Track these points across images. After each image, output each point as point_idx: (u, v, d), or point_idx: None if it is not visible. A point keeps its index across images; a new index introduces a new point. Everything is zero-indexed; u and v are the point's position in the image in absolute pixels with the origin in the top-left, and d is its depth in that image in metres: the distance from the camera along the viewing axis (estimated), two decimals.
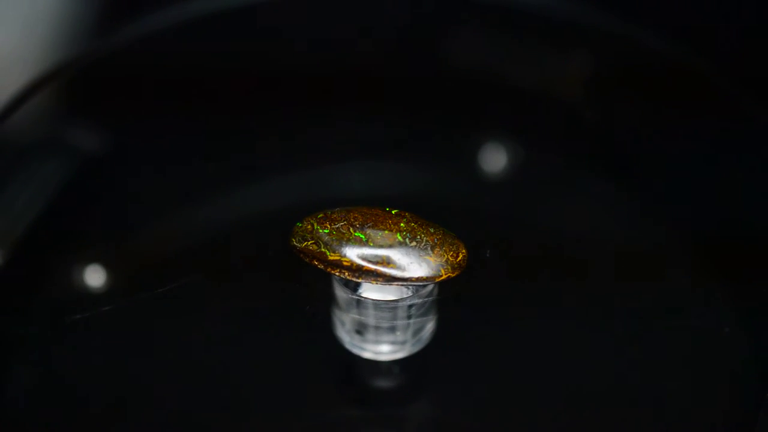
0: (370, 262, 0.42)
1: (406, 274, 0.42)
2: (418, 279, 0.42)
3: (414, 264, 0.42)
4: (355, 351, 0.46)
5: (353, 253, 0.42)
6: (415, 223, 0.42)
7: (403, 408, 0.46)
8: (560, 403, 0.45)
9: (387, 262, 0.42)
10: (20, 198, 0.50)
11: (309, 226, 0.42)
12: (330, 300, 0.45)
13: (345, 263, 0.42)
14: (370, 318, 0.44)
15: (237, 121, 0.54)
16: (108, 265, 0.49)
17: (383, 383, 0.46)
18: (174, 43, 0.55)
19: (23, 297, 0.47)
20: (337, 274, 0.42)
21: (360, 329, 0.45)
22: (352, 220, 0.42)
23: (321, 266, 0.42)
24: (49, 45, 0.59)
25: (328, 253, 0.42)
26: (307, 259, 0.43)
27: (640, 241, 0.50)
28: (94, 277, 0.49)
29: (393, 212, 0.43)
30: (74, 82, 0.54)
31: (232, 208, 0.51)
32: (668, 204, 0.51)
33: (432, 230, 0.43)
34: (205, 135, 0.54)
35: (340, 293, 0.44)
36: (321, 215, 0.43)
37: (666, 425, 0.44)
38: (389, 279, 0.42)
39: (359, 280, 0.42)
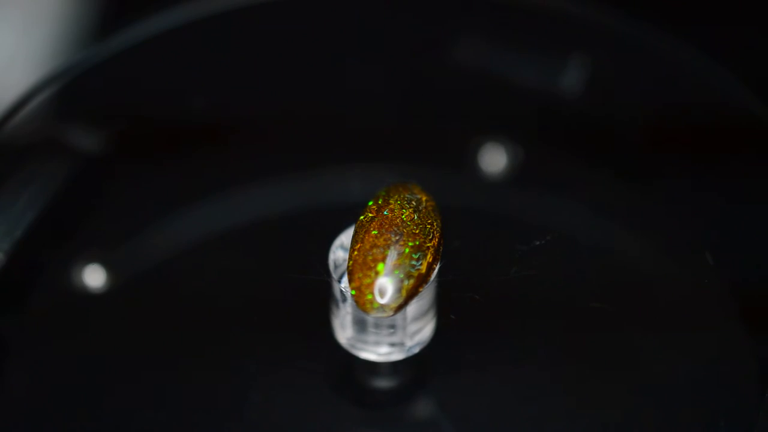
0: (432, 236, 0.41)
1: (438, 221, 0.42)
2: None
3: (431, 213, 0.42)
4: (418, 349, 0.44)
5: (418, 249, 0.41)
6: (397, 193, 0.42)
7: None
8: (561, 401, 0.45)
9: (435, 227, 0.41)
10: (20, 198, 0.50)
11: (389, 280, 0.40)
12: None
13: (430, 260, 0.41)
14: (424, 299, 0.43)
15: (238, 121, 0.54)
16: (108, 265, 0.49)
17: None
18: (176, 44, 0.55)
19: (23, 297, 0.47)
20: (432, 276, 0.41)
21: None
22: (384, 241, 0.41)
23: (422, 288, 0.41)
24: (52, 47, 0.59)
25: (415, 272, 0.40)
26: (409, 302, 0.40)
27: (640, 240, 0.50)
28: (94, 277, 0.49)
29: (379, 202, 0.42)
30: (75, 83, 0.54)
31: (233, 208, 0.51)
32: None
33: (402, 187, 0.42)
34: (206, 136, 0.54)
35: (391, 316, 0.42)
36: (364, 275, 0.40)
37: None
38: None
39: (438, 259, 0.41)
